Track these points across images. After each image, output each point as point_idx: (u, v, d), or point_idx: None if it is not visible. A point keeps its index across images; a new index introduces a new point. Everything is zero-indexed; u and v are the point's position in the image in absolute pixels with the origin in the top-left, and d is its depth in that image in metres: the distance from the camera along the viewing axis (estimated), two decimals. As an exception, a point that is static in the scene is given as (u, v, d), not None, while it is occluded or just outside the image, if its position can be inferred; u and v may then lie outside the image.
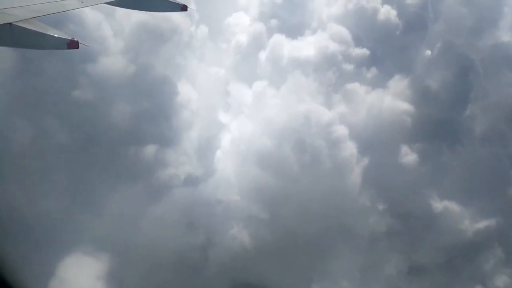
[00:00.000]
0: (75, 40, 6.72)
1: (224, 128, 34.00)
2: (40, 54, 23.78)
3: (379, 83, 35.75)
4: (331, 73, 34.92)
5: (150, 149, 28.75)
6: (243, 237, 32.08)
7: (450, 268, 33.44)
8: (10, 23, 6.36)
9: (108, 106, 27.31)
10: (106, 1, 8.92)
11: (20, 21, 6.47)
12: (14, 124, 24.65)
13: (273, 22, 41.65)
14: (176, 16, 32.97)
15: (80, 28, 25.17)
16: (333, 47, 36.08)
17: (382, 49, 37.26)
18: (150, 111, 28.84)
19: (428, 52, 38.06)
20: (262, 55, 39.64)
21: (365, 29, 37.62)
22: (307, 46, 38.02)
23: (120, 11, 31.10)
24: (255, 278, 31.90)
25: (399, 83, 35.88)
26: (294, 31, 39.97)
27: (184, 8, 10.18)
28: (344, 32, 36.97)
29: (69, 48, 6.72)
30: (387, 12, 37.79)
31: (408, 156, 33.44)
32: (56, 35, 6.79)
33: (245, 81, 38.69)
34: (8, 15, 6.51)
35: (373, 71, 36.25)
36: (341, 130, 31.69)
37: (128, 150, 28.09)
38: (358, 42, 36.82)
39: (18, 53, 24.23)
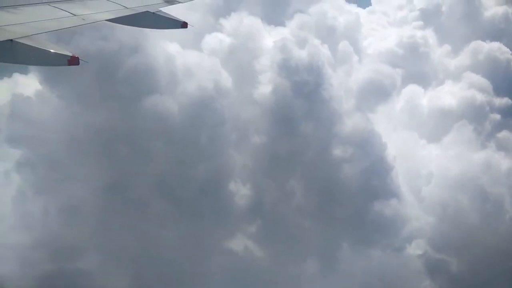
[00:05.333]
0: (76, 56, 6.63)
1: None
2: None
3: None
4: (487, 122, 36.19)
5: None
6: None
7: None
8: (11, 40, 6.31)
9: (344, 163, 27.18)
10: (107, 19, 8.78)
11: (21, 37, 6.42)
12: (263, 184, 24.06)
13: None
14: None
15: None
16: (479, 97, 37.55)
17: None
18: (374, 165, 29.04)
19: None
20: (397, 105, 40.58)
21: (498, 78, 39.47)
22: (444, 96, 39.42)
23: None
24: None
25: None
26: (420, 81, 41.32)
27: (184, 25, 10.01)
28: (483, 82, 38.62)
29: (69, 64, 6.61)
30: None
31: None
32: (57, 52, 6.70)
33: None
34: (9, 32, 6.47)
35: (517, 119, 37.82)
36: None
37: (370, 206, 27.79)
38: (496, 92, 38.58)
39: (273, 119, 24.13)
